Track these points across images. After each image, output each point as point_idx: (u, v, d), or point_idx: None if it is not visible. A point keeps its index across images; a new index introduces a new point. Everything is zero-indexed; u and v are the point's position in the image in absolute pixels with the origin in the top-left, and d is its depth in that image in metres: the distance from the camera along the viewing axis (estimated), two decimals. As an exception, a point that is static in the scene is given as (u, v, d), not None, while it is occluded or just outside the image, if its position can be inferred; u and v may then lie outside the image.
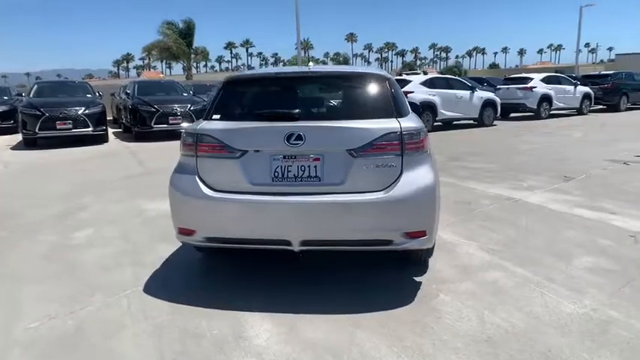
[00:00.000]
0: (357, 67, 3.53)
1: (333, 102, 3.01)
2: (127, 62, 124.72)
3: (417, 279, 3.11)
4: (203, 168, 2.81)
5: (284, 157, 2.69)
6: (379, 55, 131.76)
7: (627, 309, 2.65)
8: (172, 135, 12.06)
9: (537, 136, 10.96)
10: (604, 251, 3.53)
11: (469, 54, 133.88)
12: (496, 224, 4.24)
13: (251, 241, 2.79)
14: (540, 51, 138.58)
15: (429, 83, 12.71)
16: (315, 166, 2.67)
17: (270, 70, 3.44)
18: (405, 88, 12.96)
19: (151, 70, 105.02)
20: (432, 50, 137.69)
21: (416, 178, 2.67)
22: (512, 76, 17.01)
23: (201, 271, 3.42)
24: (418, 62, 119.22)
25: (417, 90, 12.54)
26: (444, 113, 12.31)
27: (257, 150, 2.72)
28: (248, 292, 2.97)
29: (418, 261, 3.25)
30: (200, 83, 21.04)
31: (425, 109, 11.84)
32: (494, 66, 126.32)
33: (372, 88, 2.92)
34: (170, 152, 9.51)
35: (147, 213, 4.86)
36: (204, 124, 2.86)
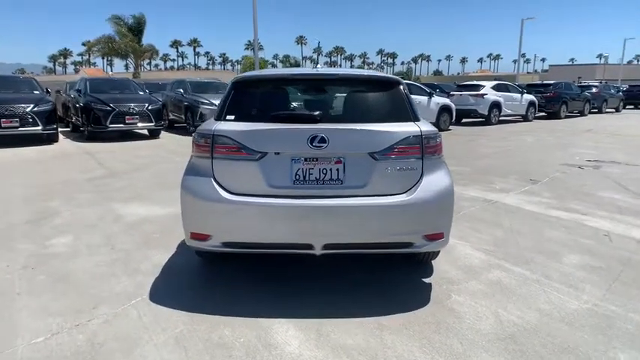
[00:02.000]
0: (369, 70, 3.54)
1: (351, 105, 3.00)
2: (65, 58, 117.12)
3: (426, 280, 3.18)
4: (219, 170, 2.71)
5: (305, 160, 2.66)
6: (328, 59, 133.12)
7: (624, 303, 2.87)
8: (127, 135, 11.57)
9: (494, 140, 11.57)
10: (587, 250, 3.79)
11: (414, 60, 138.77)
12: (482, 225, 4.42)
13: (271, 246, 2.72)
14: (480, 60, 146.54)
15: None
16: (337, 169, 2.66)
17: (284, 70, 3.38)
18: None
19: (91, 67, 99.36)
20: (379, 55, 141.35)
21: (435, 181, 2.73)
22: (464, 83, 17.82)
23: (206, 277, 3.28)
24: (366, 67, 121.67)
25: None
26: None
27: (277, 152, 2.66)
28: (262, 297, 2.90)
29: (424, 262, 3.33)
30: (152, 82, 20.26)
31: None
32: (437, 73, 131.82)
33: (389, 93, 2.95)
34: (130, 153, 9.18)
35: (126, 218, 4.60)
36: (220, 125, 2.75)
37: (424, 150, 2.71)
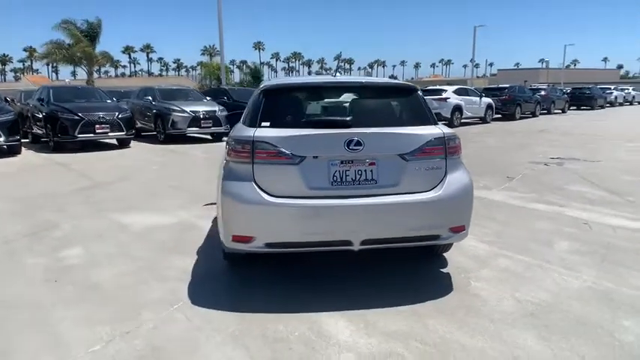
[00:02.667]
0: (386, 78, 3.79)
1: (377, 110, 3.22)
2: (3, 64, 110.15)
3: (444, 270, 3.45)
4: (260, 174, 2.84)
5: (341, 163, 2.84)
6: (286, 65, 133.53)
7: (616, 280, 3.26)
8: (95, 145, 11.19)
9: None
10: (573, 237, 4.21)
11: (370, 66, 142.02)
12: (480, 219, 4.74)
13: (312, 244, 2.88)
14: (433, 65, 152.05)
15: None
16: (371, 170, 2.87)
17: (311, 78, 3.55)
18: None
19: (34, 74, 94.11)
20: (336, 61, 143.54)
21: (457, 178, 3.00)
22: (428, 88, 18.55)
23: (239, 279, 3.36)
24: (324, 72, 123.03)
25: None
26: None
27: (316, 156, 2.83)
28: (298, 293, 3.04)
29: (438, 254, 3.59)
30: (113, 89, 19.62)
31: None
32: (393, 77, 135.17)
33: (408, 98, 3.21)
34: (106, 163, 8.97)
35: (131, 227, 4.58)
36: (259, 132, 2.89)
37: (447, 150, 2.98)
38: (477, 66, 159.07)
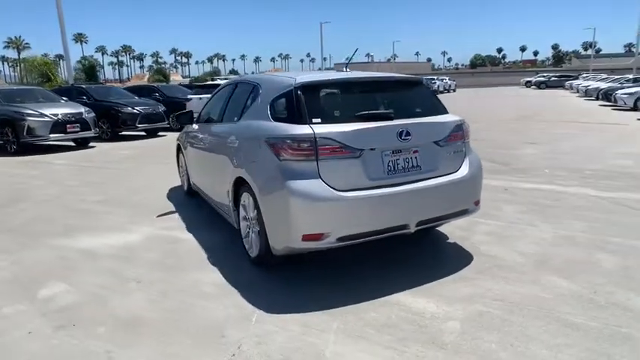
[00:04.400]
0: (397, 73, 3.96)
1: (406, 102, 3.45)
2: None
3: (451, 241, 3.96)
4: (325, 170, 2.86)
5: (392, 152, 3.05)
6: (115, 59, 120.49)
7: (564, 227, 4.22)
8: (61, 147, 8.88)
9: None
10: (509, 201, 5.20)
11: (210, 60, 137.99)
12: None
13: (377, 232, 3.01)
14: (273, 59, 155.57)
15: None
16: (415, 157, 3.15)
17: (343, 74, 3.51)
18: None
19: None
20: (172, 55, 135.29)
21: (474, 158, 3.50)
22: (207, 82, 17.35)
23: (290, 281, 3.23)
24: (157, 67, 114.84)
25: None
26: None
27: (373, 148, 2.97)
28: (353, 284, 3.15)
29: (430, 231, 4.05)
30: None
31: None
32: (234, 72, 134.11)
33: (424, 91, 3.56)
34: (107, 166, 7.26)
35: (98, 251, 3.94)
36: (319, 128, 2.88)
37: (465, 135, 3.43)
38: (312, 60, 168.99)
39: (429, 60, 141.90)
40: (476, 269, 3.35)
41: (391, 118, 3.13)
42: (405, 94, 3.52)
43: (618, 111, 17.15)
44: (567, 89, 36.01)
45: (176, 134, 13.50)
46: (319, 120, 2.98)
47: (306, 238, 2.84)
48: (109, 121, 12.65)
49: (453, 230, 4.17)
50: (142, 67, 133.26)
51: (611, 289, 2.99)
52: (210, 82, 15.58)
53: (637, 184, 5.90)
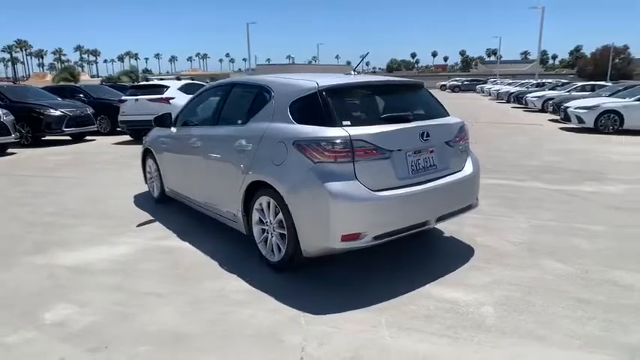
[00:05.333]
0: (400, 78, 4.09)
1: (415, 105, 3.61)
2: None
3: (447, 235, 4.23)
4: (360, 171, 2.93)
5: (414, 153, 3.22)
6: (8, 55, 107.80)
7: (538, 217, 4.71)
8: None
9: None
10: (483, 195, 5.62)
11: (120, 58, 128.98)
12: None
13: (406, 229, 3.15)
14: (190, 58, 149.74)
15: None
16: (432, 157, 3.35)
17: (362, 78, 3.55)
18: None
19: None
20: (78, 52, 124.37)
21: (474, 157, 3.80)
22: (142, 84, 14.57)
23: (319, 283, 3.24)
24: (60, 65, 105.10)
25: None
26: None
27: (399, 149, 3.11)
28: (379, 284, 3.27)
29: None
30: None
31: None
32: (147, 71, 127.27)
33: (428, 94, 3.77)
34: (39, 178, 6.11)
35: (92, 267, 3.63)
36: (353, 130, 2.94)
37: (467, 135, 3.71)
38: (232, 60, 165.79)
39: (349, 63, 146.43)
40: (482, 259, 3.65)
41: (410, 120, 3.30)
42: (415, 96, 3.70)
43: (529, 112, 19.21)
44: (478, 92, 39.33)
45: (107, 138, 12.84)
46: (349, 122, 3.04)
47: (345, 238, 2.90)
48: (30, 125, 11.42)
49: (445, 225, 4.44)
50: (40, 65, 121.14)
51: (598, 269, 3.44)
52: (150, 83, 14.36)
53: (574, 177, 6.73)
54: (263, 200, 3.38)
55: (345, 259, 3.58)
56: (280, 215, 3.20)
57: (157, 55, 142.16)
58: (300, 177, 3.01)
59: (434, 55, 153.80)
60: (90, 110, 12.63)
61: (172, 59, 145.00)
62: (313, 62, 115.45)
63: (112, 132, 13.39)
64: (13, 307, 3.00)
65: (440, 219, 3.38)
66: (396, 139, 3.12)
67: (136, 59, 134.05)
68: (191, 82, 14.61)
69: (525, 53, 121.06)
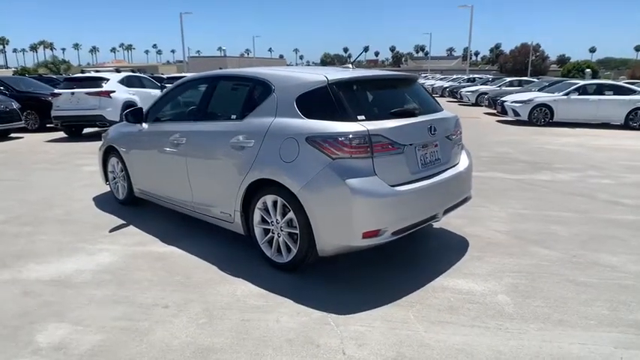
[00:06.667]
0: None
1: (417, 99, 3.59)
2: None
3: (437, 226, 4.33)
4: (379, 167, 2.90)
5: (422, 147, 3.24)
6: None
7: (510, 204, 4.98)
8: None
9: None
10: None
11: (33, 48, 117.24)
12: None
13: (420, 223, 3.16)
14: (113, 49, 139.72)
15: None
16: (436, 151, 3.40)
17: (369, 71, 3.43)
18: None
19: None
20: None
21: (467, 150, 3.91)
22: (76, 76, 13.44)
23: (315, 281, 3.17)
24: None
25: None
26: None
27: (411, 143, 3.12)
28: (391, 282, 3.28)
29: None
30: None
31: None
32: (64, 62, 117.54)
33: (423, 88, 3.80)
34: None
35: (74, 278, 3.27)
36: (370, 125, 2.88)
37: (461, 129, 3.81)
38: (159, 52, 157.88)
39: (282, 57, 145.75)
40: (477, 249, 3.79)
41: (417, 115, 3.31)
42: (415, 91, 3.72)
43: (464, 106, 20.34)
44: (412, 87, 40.91)
45: (36, 135, 11.64)
46: (363, 117, 2.99)
47: (366, 235, 2.85)
48: (-57, 121, 10.08)
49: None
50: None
51: (582, 252, 3.72)
52: (86, 75, 13.10)
53: (527, 167, 7.22)
54: (267, 199, 3.23)
55: (345, 259, 3.54)
56: (290, 214, 3.08)
57: (76, 46, 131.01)
58: (316, 174, 2.90)
59: (366, 50, 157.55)
60: (16, 105, 11.38)
61: (93, 50, 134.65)
62: (246, 55, 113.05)
63: (41, 129, 12.19)
64: (-6, 331, 2.61)
65: (446, 212, 3.45)
66: (409, 134, 3.13)
67: (51, 49, 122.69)
68: (132, 74, 13.69)
69: (451, 50, 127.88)
